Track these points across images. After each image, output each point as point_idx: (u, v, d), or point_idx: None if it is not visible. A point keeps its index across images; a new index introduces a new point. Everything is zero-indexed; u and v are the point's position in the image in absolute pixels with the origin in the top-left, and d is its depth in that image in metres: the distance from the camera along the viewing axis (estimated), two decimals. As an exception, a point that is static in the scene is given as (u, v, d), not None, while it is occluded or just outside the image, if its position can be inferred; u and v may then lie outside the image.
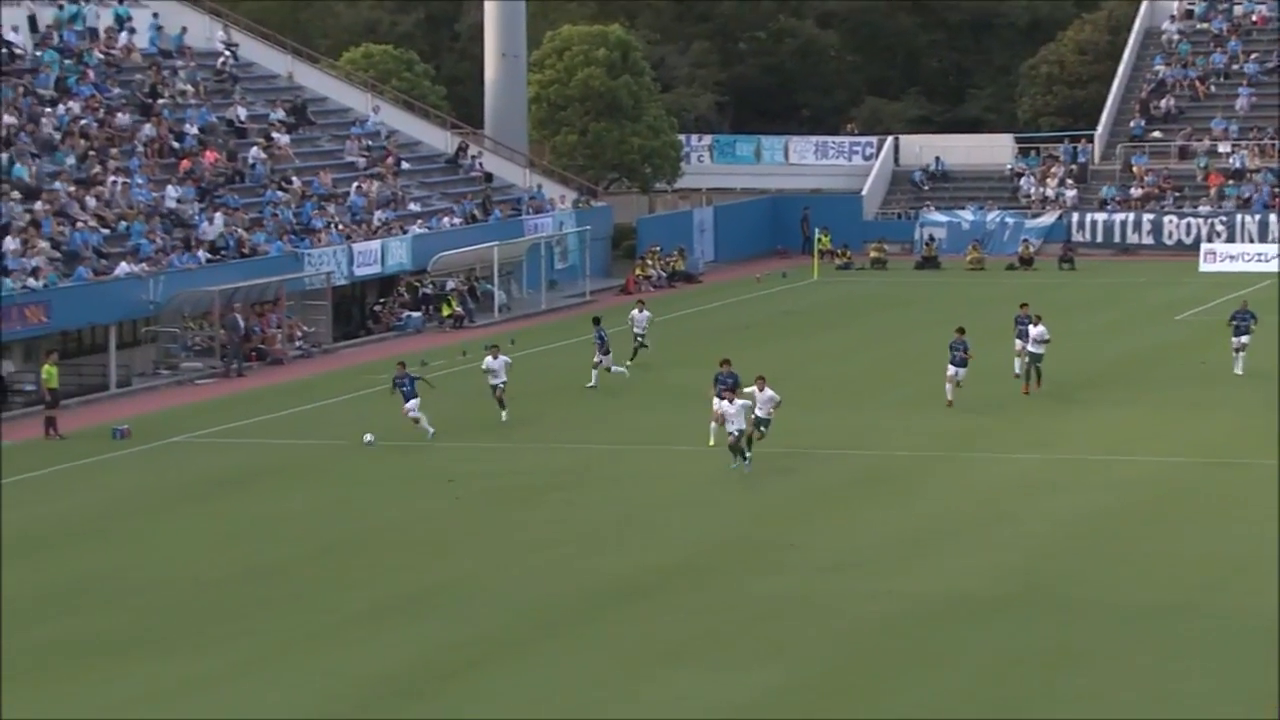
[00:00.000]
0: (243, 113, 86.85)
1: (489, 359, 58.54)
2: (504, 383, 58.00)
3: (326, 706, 32.50)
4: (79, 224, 71.75)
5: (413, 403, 55.56)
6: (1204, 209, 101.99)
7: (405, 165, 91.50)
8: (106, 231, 72.36)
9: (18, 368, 66.71)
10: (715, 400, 51.47)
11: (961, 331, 59.75)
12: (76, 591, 40.45)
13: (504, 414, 57.78)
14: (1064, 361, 61.25)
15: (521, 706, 32.32)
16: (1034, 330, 60.68)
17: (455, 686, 33.62)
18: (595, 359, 64.84)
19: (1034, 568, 40.53)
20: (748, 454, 49.37)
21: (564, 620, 37.64)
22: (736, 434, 49.05)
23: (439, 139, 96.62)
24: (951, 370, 59.10)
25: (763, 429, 50.13)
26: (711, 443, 52.15)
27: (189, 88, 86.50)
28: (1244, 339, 62.98)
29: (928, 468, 51.19)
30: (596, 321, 67.12)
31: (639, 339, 68.52)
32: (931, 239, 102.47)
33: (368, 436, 54.76)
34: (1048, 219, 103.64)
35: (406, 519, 47.07)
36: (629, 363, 67.20)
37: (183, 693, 33.37)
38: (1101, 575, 39.98)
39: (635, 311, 69.36)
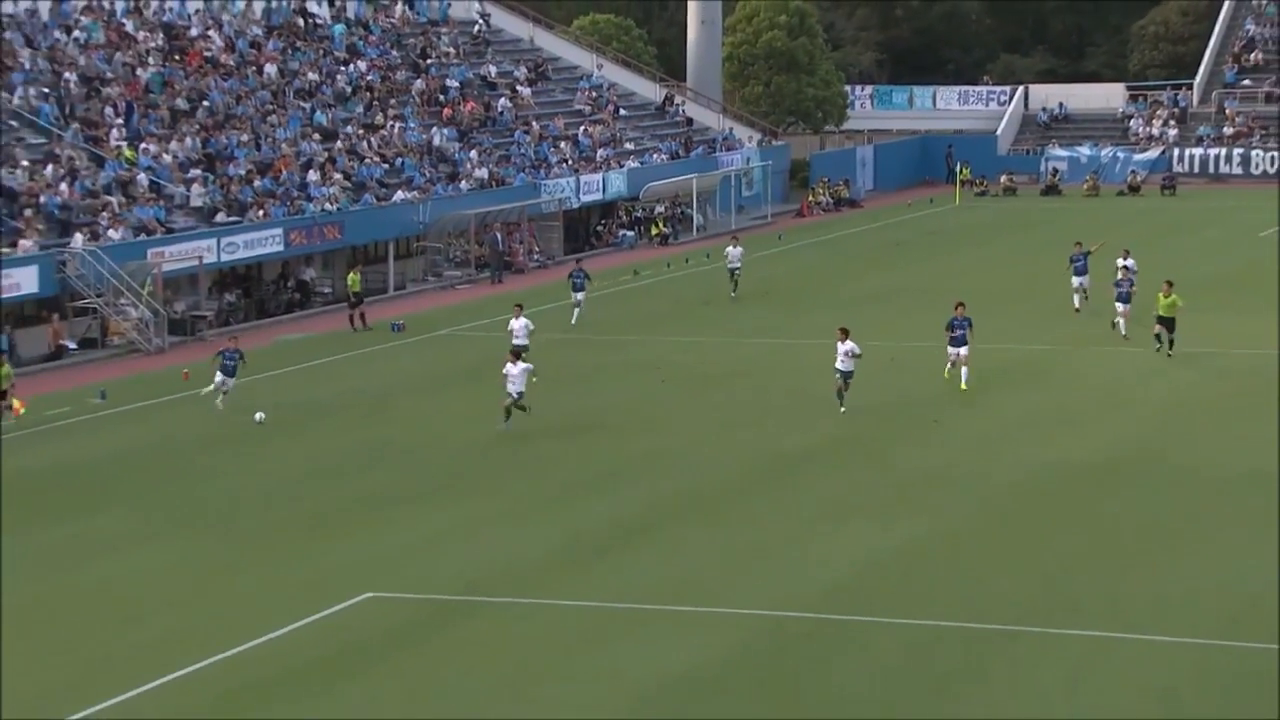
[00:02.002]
0: (493, 70, 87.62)
1: (514, 321, 48.92)
2: (525, 345, 46.98)
3: (568, 544, 33.25)
4: (365, 160, 72.83)
5: (229, 381, 46.09)
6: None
7: (622, 112, 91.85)
8: (386, 166, 73.34)
9: (317, 275, 67.92)
10: None
11: (1126, 253, 57.42)
12: (369, 454, 41.24)
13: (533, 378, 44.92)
14: (1169, 271, 60.63)
15: (711, 549, 32.79)
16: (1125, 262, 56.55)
17: (667, 531, 34.14)
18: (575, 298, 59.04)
19: (1148, 438, 40.34)
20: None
21: (751, 482, 37.85)
22: (516, 395, 42.81)
23: (650, 90, 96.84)
24: (1076, 280, 57.67)
25: (846, 380, 43.22)
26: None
27: (451, 50, 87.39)
28: None
29: (1058, 361, 50.76)
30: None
31: (735, 272, 63.76)
32: (1055, 171, 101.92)
33: (258, 415, 44.13)
34: (1153, 153, 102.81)
35: (625, 400, 47.32)
36: (732, 294, 63.32)
37: (456, 534, 34.24)
38: (1206, 446, 39.72)
39: (730, 248, 64.88)
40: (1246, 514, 34.18)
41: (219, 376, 45.93)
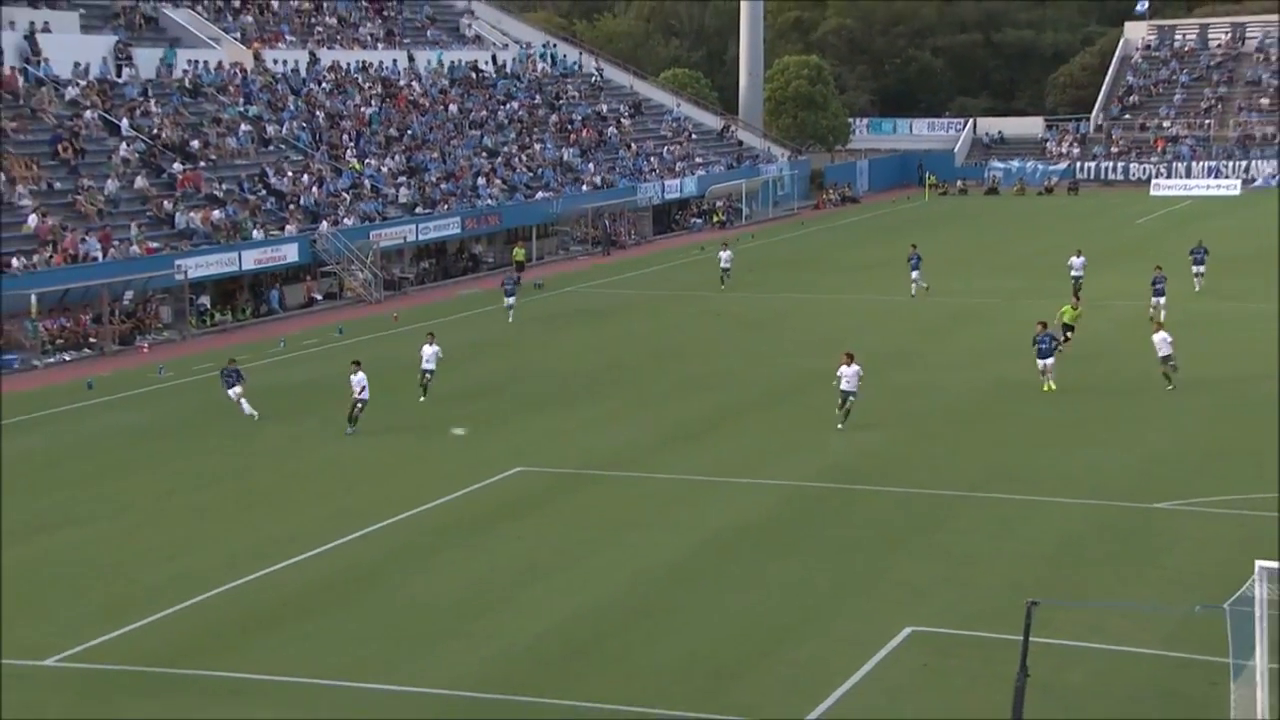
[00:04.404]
0: (605, 108, 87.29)
1: (425, 347, 37.59)
2: (430, 372, 37.20)
3: (659, 435, 33.28)
4: (516, 170, 72.86)
5: (235, 390, 35.61)
6: (1153, 159, 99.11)
7: (694, 137, 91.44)
8: (530, 174, 73.27)
9: (483, 250, 68.18)
10: None
11: (1079, 252, 51.54)
12: (515, 376, 41.43)
13: (422, 397, 37.00)
14: (1090, 241, 59.93)
15: (758, 439, 32.82)
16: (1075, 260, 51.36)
17: (728, 426, 34.19)
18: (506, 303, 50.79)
19: (1064, 363, 39.33)
20: (841, 424, 33.07)
21: (786, 393, 37.88)
22: (363, 404, 33.78)
23: (713, 121, 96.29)
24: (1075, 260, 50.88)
25: (850, 399, 32.91)
26: None
27: (575, 94, 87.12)
28: (1200, 267, 52.30)
29: (999, 309, 50.23)
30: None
31: (725, 271, 57.28)
32: (995, 177, 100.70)
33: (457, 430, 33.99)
34: (1062, 165, 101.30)
35: (692, 337, 47.21)
36: (722, 286, 56.20)
37: (579, 429, 34.36)
38: (1106, 367, 39.27)
39: (722, 250, 58.93)
40: (1137, 414, 33.97)
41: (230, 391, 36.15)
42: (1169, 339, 36.37)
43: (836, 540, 25.17)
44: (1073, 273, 50.88)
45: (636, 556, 24.64)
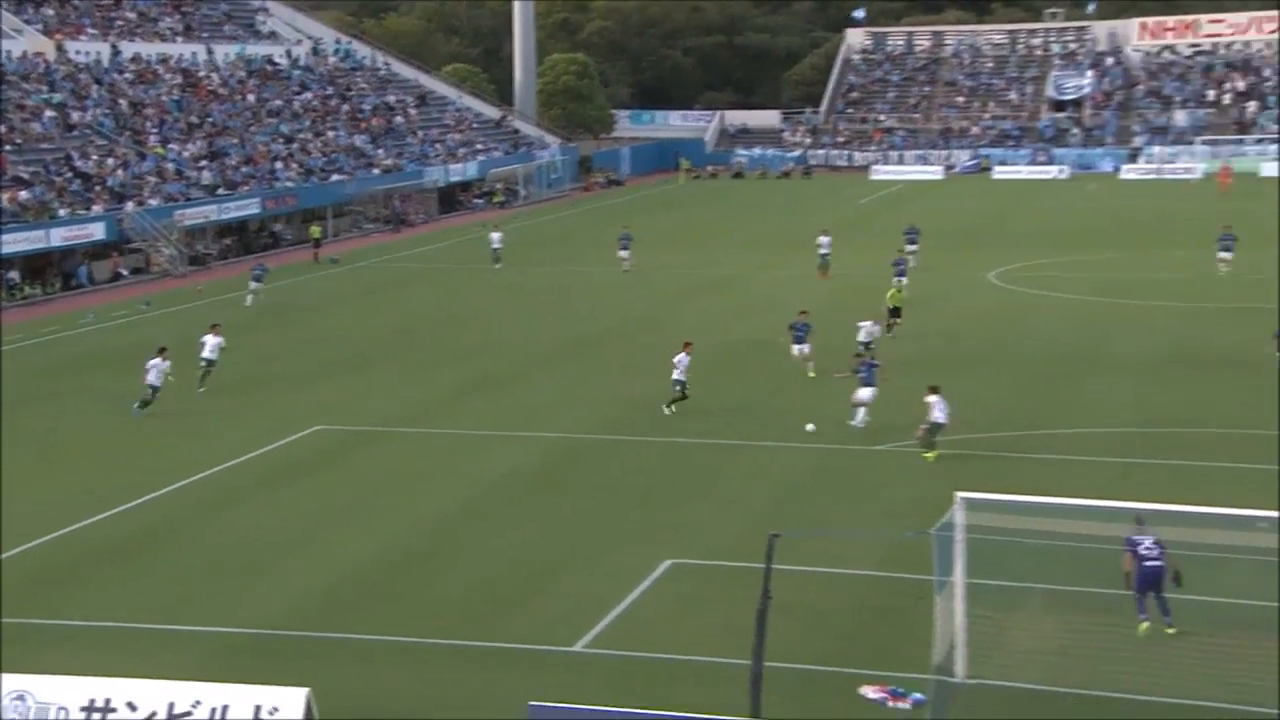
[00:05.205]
0: (393, 99, 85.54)
1: (208, 337, 33.47)
2: (211, 362, 33.07)
3: (445, 394, 32.81)
4: (312, 155, 71.11)
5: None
6: (872, 148, 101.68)
7: (475, 126, 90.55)
8: (325, 159, 71.58)
9: (283, 228, 66.41)
10: None
11: (825, 232, 50.25)
12: (313, 342, 40.26)
13: (201, 388, 32.73)
14: (822, 219, 60.80)
15: (537, 396, 32.59)
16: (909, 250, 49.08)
17: (509, 386, 33.82)
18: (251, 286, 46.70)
19: (817, 325, 39.74)
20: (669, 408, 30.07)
21: (553, 355, 37.62)
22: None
23: (491, 112, 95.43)
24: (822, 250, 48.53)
25: (680, 389, 29.84)
26: None
27: (365, 85, 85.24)
28: (913, 246, 50.30)
29: (748, 278, 50.58)
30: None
31: (497, 251, 54.85)
32: (740, 163, 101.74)
33: (810, 426, 28.47)
34: (797, 153, 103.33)
35: (474, 306, 46.40)
36: (497, 266, 53.91)
37: (372, 390, 33.53)
38: (835, 323, 40.38)
39: (492, 232, 56.66)
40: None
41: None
42: (876, 328, 34.38)
43: (605, 485, 25.37)
44: (820, 251, 49.90)
45: (424, 503, 24.46)
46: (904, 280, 42.75)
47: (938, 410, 26.16)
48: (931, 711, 15.63)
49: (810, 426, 28.34)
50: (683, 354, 30.14)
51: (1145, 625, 17.37)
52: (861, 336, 33.95)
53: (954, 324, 40.06)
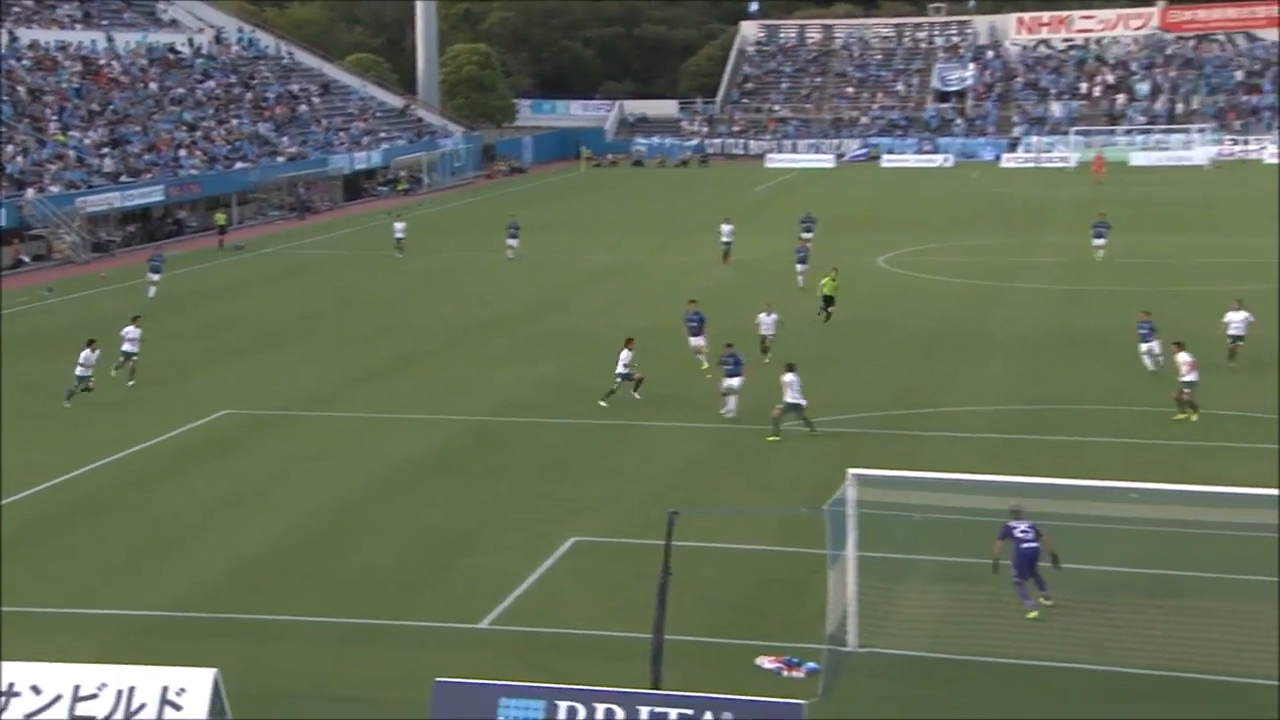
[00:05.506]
0: (296, 87, 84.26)
1: (128, 328, 31.99)
2: (135, 354, 31.83)
3: (350, 378, 32.59)
4: (216, 142, 69.81)
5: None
6: (767, 137, 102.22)
7: (379, 114, 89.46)
8: (229, 146, 70.32)
9: (187, 214, 65.09)
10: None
11: (727, 219, 49.50)
12: (219, 327, 39.70)
13: (126, 379, 31.54)
14: (719, 207, 60.66)
15: (439, 381, 32.38)
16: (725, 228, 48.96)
17: (408, 371, 33.46)
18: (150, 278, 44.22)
19: (716, 302, 39.64)
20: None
21: (452, 340, 37.46)
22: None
23: (395, 101, 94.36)
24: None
25: (619, 381, 28.89)
26: None
27: (269, 74, 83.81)
28: (808, 234, 48.77)
29: (648, 260, 50.52)
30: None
31: (400, 240, 53.22)
32: (639, 152, 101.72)
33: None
34: (695, 141, 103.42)
35: (378, 292, 45.94)
36: (399, 254, 52.31)
37: (278, 374, 33.12)
38: (737, 309, 40.32)
39: (396, 222, 54.77)
40: (751, 351, 34.97)
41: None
42: (778, 319, 33.18)
43: (509, 466, 25.29)
44: (722, 239, 49.12)
45: (331, 485, 24.20)
46: (806, 267, 42.79)
47: (790, 391, 26.04)
48: (824, 680, 15.83)
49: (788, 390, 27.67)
50: (625, 350, 28.98)
51: (1034, 614, 17.48)
52: (763, 330, 32.87)
53: (845, 307, 40.47)
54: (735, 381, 27.71)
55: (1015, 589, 17.61)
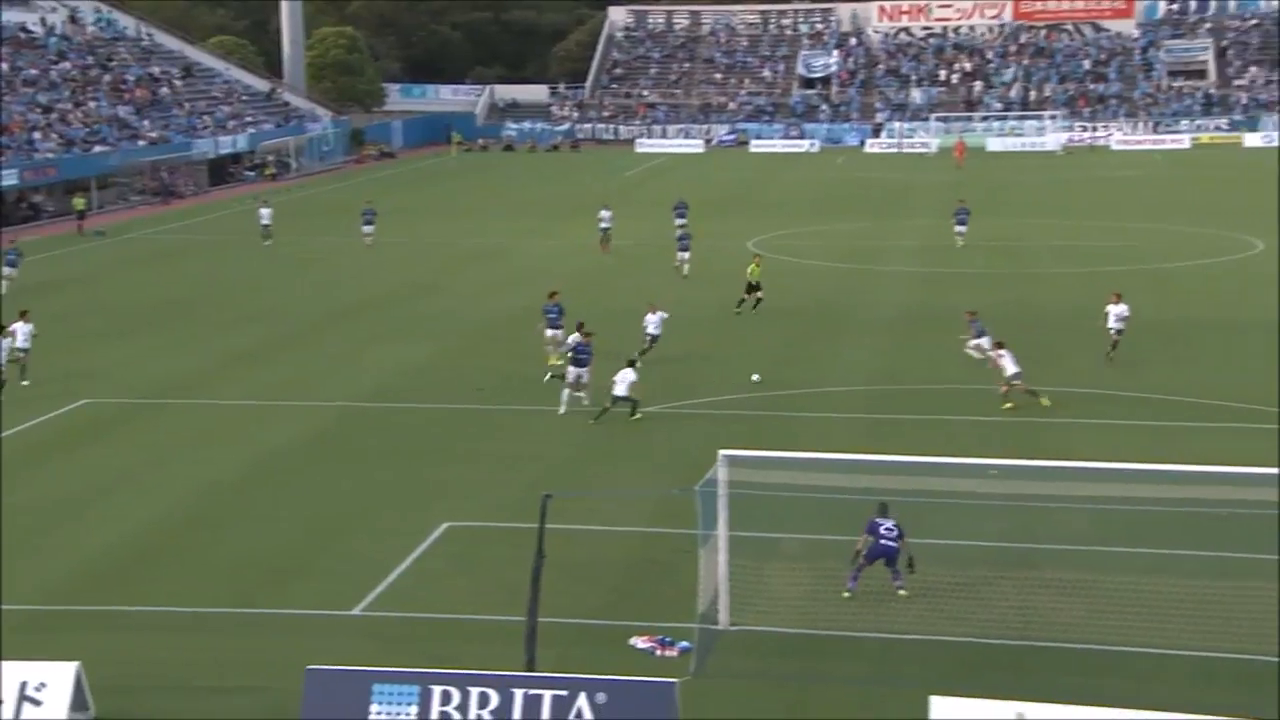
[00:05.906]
0: (157, 70, 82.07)
1: (17, 325, 30.62)
2: (25, 351, 30.21)
3: (217, 363, 31.96)
4: (73, 125, 67.73)
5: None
6: (637, 122, 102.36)
7: (244, 98, 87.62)
8: (87, 129, 68.30)
9: (44, 199, 63.09)
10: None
11: (605, 206, 48.42)
12: (79, 312, 38.68)
13: (25, 381, 29.65)
14: (585, 192, 61.10)
15: (294, 370, 31.96)
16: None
17: (276, 356, 33.12)
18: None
19: (580, 282, 40.27)
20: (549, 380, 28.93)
21: (321, 327, 36.96)
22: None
23: (261, 84, 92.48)
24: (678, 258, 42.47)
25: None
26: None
27: (127, 55, 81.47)
28: (683, 220, 48.97)
29: (520, 244, 49.89)
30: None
31: (267, 228, 51.73)
32: (510, 137, 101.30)
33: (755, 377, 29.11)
34: (565, 127, 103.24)
35: (243, 277, 45.20)
36: (266, 243, 50.87)
37: (141, 360, 32.36)
38: (620, 287, 40.31)
39: (262, 208, 52.88)
40: (628, 338, 34.98)
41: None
42: (665, 316, 31.88)
43: (379, 451, 25.05)
44: (601, 224, 48.38)
45: (200, 473, 23.74)
46: (688, 255, 42.59)
47: (618, 384, 26.16)
48: (696, 658, 16.01)
49: (755, 377, 28.66)
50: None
51: (848, 595, 17.68)
52: (650, 330, 31.52)
53: (713, 291, 40.77)
54: (582, 371, 26.80)
55: (851, 567, 17.74)
